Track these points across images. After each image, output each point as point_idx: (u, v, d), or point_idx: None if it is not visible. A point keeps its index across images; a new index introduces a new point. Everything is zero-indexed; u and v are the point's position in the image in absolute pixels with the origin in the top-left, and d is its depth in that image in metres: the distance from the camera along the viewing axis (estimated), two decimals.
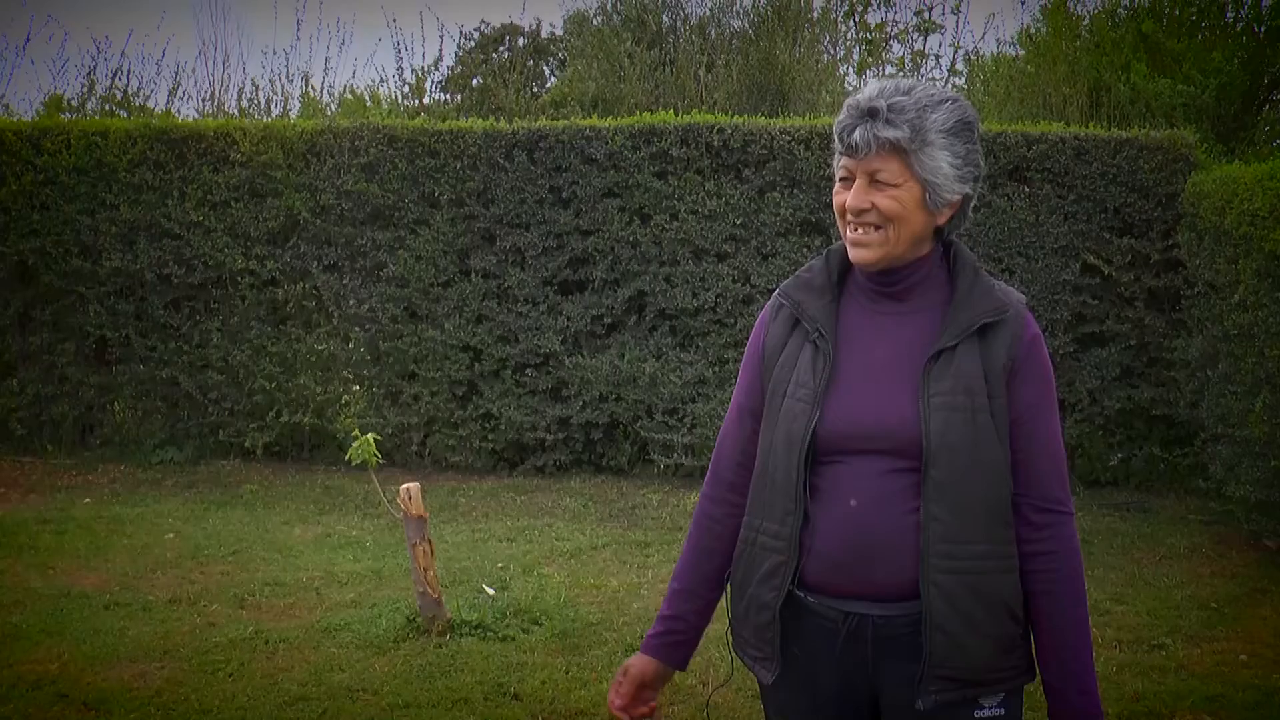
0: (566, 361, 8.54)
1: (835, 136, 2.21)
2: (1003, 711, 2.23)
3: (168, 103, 12.53)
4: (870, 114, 2.14)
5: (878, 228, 2.18)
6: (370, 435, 5.52)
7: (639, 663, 2.40)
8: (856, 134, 2.14)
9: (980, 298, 2.21)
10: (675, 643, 2.42)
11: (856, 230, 2.19)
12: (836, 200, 2.22)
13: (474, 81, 15.90)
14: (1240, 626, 5.59)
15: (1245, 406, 6.77)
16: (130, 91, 12.52)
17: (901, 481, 2.15)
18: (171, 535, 7.06)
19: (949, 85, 14.77)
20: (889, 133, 2.12)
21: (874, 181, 2.16)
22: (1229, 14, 11.69)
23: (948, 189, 2.19)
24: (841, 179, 2.21)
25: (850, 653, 2.21)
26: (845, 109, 2.19)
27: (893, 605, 2.16)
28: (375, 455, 5.46)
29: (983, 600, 2.14)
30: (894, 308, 2.26)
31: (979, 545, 2.13)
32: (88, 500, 7.90)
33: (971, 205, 2.29)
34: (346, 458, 5.59)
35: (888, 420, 2.16)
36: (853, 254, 2.23)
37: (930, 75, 15.08)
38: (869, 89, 2.19)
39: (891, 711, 2.24)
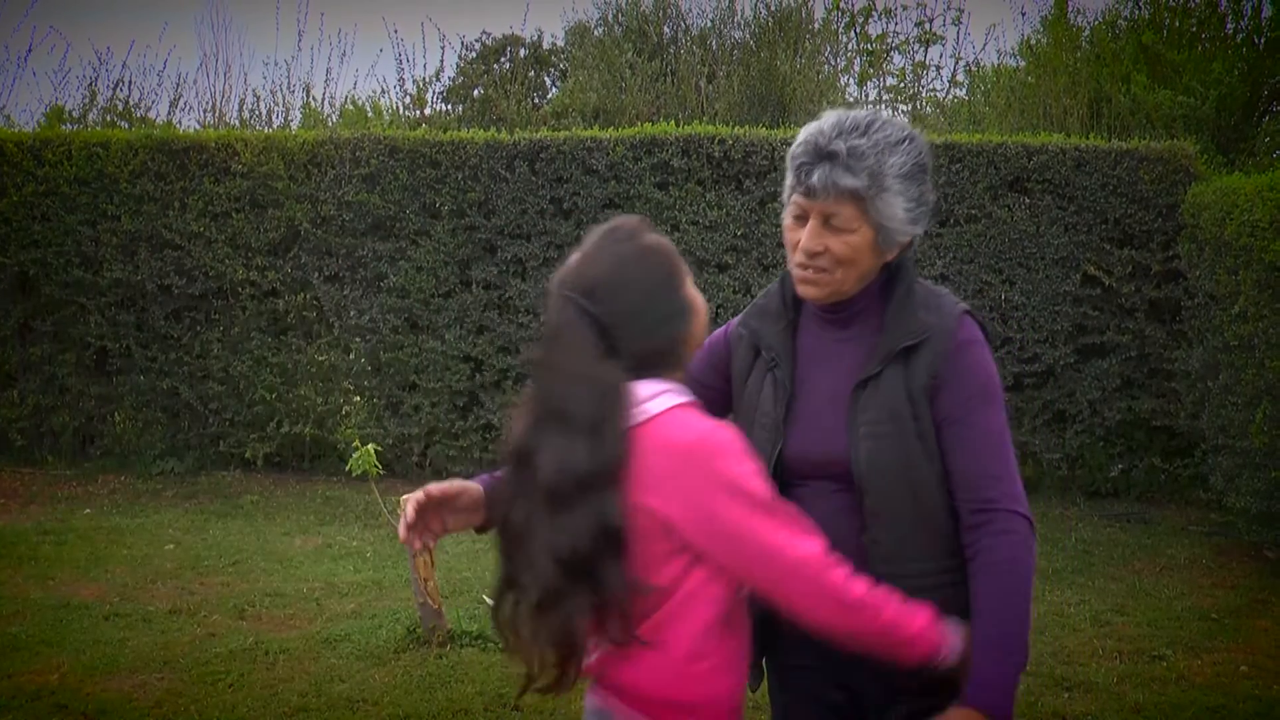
0: None
1: (791, 169, 2.20)
2: None
3: (169, 114, 12.56)
4: (829, 157, 2.14)
5: (828, 270, 2.20)
6: (371, 446, 5.54)
7: (460, 484, 2.21)
8: (815, 177, 2.14)
9: (904, 321, 2.21)
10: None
11: (807, 270, 2.21)
12: (789, 236, 2.23)
13: (475, 92, 15.93)
14: (1241, 637, 5.60)
15: (1246, 418, 6.78)
16: (132, 102, 12.56)
17: (849, 506, 2.18)
18: (172, 546, 7.06)
19: (950, 96, 14.83)
20: (848, 181, 2.12)
21: (828, 224, 2.17)
22: (1229, 25, 11.74)
23: (900, 232, 2.20)
24: (795, 216, 2.22)
25: (825, 665, 2.23)
26: (803, 144, 2.18)
27: None
28: (376, 466, 5.48)
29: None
30: (840, 334, 2.28)
31: (921, 563, 2.14)
32: (88, 511, 7.91)
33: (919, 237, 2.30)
34: (347, 468, 5.60)
35: (829, 449, 2.20)
36: (800, 290, 2.25)
37: (931, 86, 15.15)
38: (827, 123, 2.18)
39: (875, 714, 2.27)
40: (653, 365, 1.99)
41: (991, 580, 2.10)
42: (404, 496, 5.36)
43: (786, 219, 2.24)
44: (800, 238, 2.19)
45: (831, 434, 2.20)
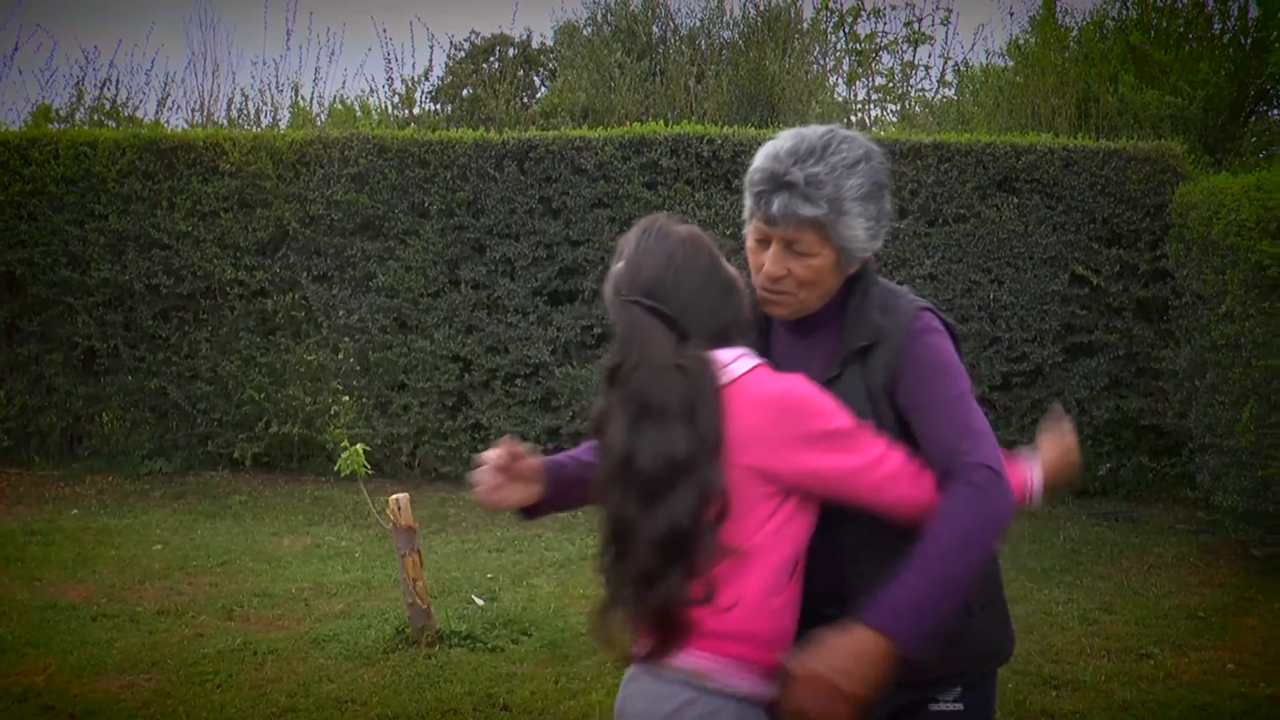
0: (556, 372, 8.55)
1: (750, 195, 2.22)
2: (961, 707, 2.25)
3: (157, 113, 12.49)
4: (787, 186, 2.16)
5: (792, 292, 2.24)
6: (359, 446, 5.52)
7: (524, 447, 2.34)
8: (774, 207, 2.17)
9: (861, 323, 2.24)
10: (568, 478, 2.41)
11: (770, 292, 2.25)
12: (752, 258, 2.27)
13: (464, 91, 15.90)
14: (1227, 635, 5.62)
15: (1232, 416, 6.80)
16: (119, 102, 12.50)
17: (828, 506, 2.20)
18: (160, 546, 7.05)
19: (938, 95, 14.86)
20: (807, 211, 2.15)
21: (790, 249, 2.20)
22: (1216, 26, 11.79)
23: (861, 250, 2.23)
24: (757, 240, 2.25)
25: None
26: (761, 170, 2.20)
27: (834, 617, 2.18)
28: (364, 466, 5.46)
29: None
30: (806, 340, 2.31)
31: (894, 555, 2.11)
32: (75, 511, 7.89)
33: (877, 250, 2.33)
34: (335, 468, 5.58)
35: None
36: (766, 309, 2.29)
37: (919, 86, 15.16)
38: (783, 147, 2.19)
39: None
40: (724, 339, 2.15)
41: (939, 522, 2.06)
42: (392, 497, 5.37)
43: (749, 240, 2.27)
44: (763, 261, 2.23)
45: None
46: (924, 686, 2.20)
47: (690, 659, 2.07)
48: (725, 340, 2.16)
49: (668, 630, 2.06)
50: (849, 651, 1.98)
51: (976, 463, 2.10)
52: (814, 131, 2.22)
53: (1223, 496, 6.97)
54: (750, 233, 2.26)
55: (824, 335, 2.28)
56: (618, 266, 2.18)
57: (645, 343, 2.09)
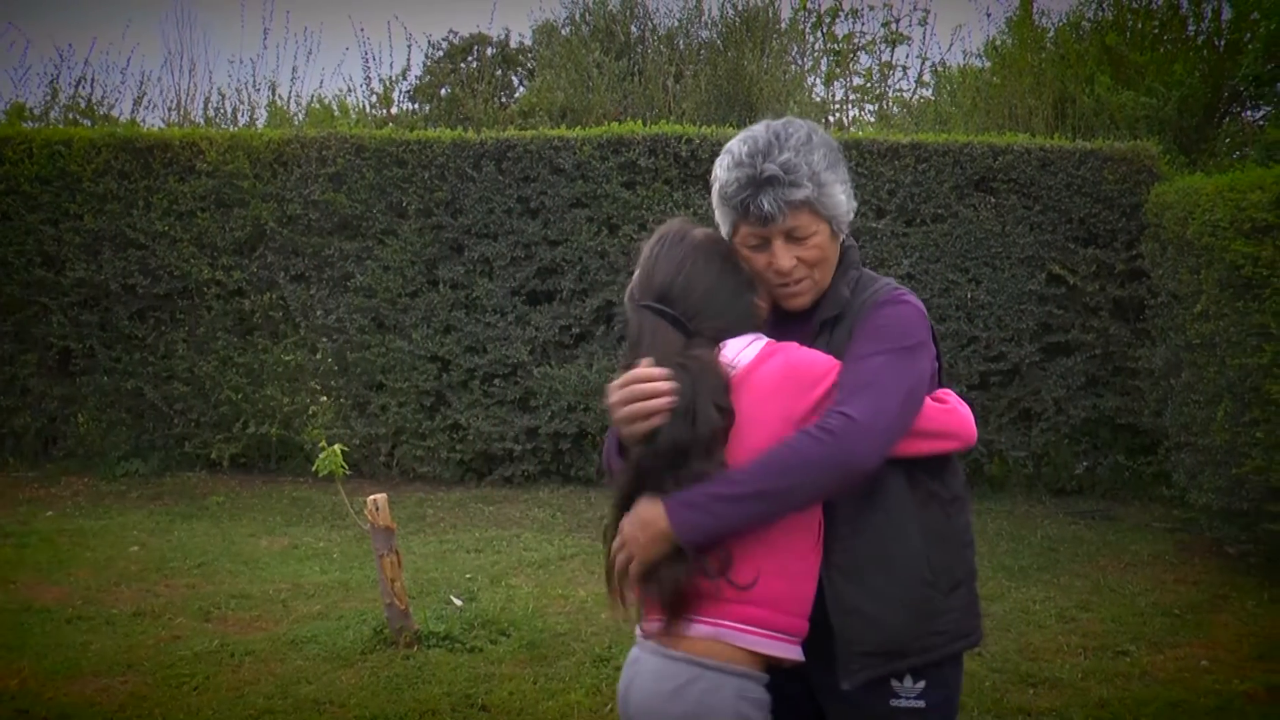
0: (535, 371, 8.54)
1: (732, 206, 2.29)
2: (923, 704, 2.26)
3: (133, 112, 12.44)
4: (770, 182, 2.24)
5: (807, 276, 2.32)
6: (337, 446, 5.50)
7: None
8: (766, 205, 2.24)
9: (831, 298, 2.34)
10: None
11: (788, 286, 2.32)
12: (756, 263, 2.31)
13: (442, 91, 15.88)
14: (1202, 633, 5.65)
15: (1207, 415, 6.85)
16: (94, 100, 12.43)
17: None
18: (136, 548, 7.00)
19: (916, 96, 14.92)
20: (797, 194, 2.25)
21: (791, 238, 2.29)
22: (1190, 28, 11.87)
23: (845, 214, 2.34)
24: (752, 246, 2.31)
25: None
26: (733, 180, 2.28)
27: None
28: (342, 466, 5.44)
29: (884, 569, 2.21)
30: (791, 320, 2.38)
31: (868, 518, 2.22)
32: (50, 513, 7.83)
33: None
34: (313, 469, 5.56)
35: None
36: (789, 305, 2.36)
37: (897, 87, 15.23)
38: (741, 151, 2.28)
39: (821, 693, 2.33)
40: (737, 330, 2.27)
41: (778, 446, 2.14)
42: (370, 497, 5.36)
43: (742, 249, 2.33)
44: (767, 261, 2.30)
45: None
46: (900, 657, 2.23)
47: (704, 626, 2.17)
48: (738, 332, 2.27)
49: (676, 608, 2.17)
50: (641, 520, 2.16)
51: (838, 410, 2.14)
52: (756, 131, 2.31)
53: (1198, 495, 7.02)
54: (740, 241, 2.32)
55: (805, 314, 2.37)
56: (636, 273, 2.33)
57: (654, 343, 2.23)
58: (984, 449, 8.47)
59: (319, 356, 8.83)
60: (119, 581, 6.32)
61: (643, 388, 2.17)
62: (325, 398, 8.99)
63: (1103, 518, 7.91)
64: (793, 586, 2.21)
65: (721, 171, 2.31)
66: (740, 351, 2.24)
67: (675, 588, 2.16)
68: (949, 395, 2.36)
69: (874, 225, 8.30)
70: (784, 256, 2.28)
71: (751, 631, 2.17)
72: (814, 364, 2.22)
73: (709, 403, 2.16)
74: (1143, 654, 5.34)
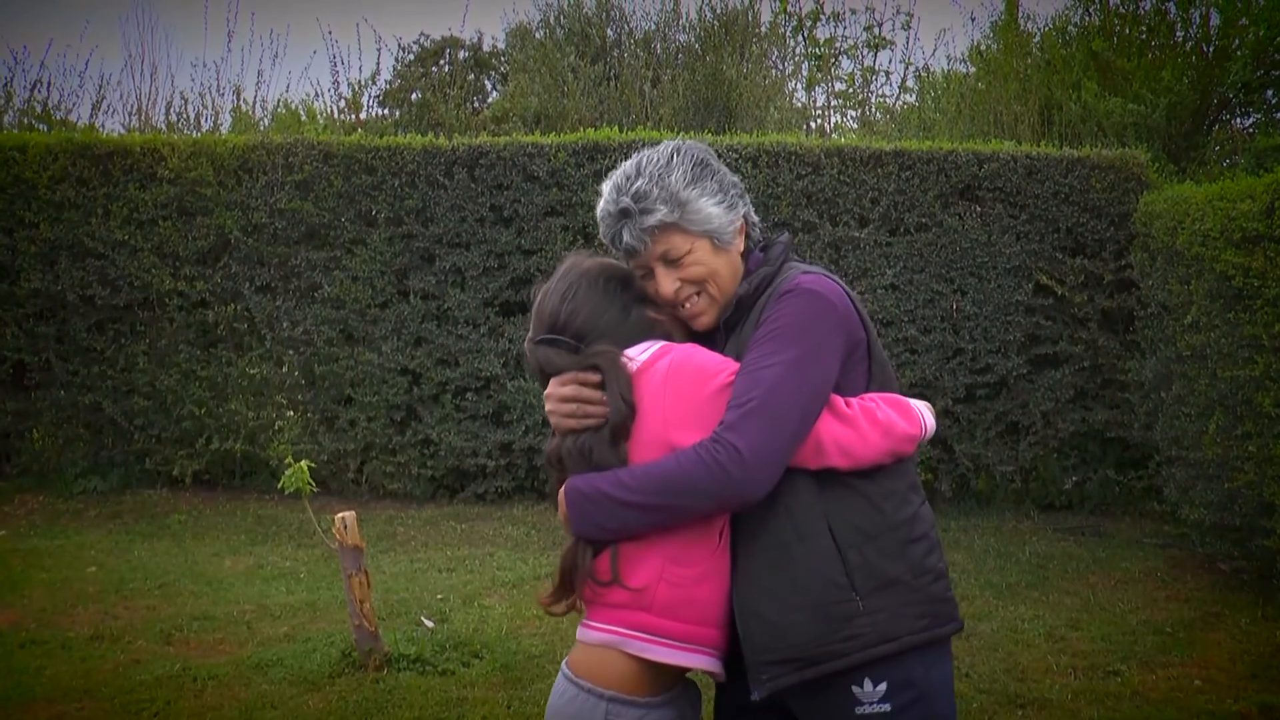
0: (508, 385, 8.52)
1: (606, 242, 2.42)
2: (888, 707, 2.24)
3: (91, 116, 12.40)
4: (624, 214, 2.35)
5: (699, 294, 2.39)
6: (304, 462, 5.47)
7: None
8: (626, 237, 2.36)
9: (738, 300, 2.39)
10: None
11: (684, 307, 2.40)
12: (651, 291, 2.41)
13: (413, 96, 15.86)
14: (1195, 651, 5.68)
15: (1199, 428, 6.89)
16: (51, 104, 12.38)
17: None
18: (94, 569, 6.95)
19: (899, 101, 14.99)
20: (650, 220, 2.33)
21: (668, 262, 2.36)
22: (1178, 33, 11.96)
23: (726, 225, 2.39)
24: (641, 276, 2.42)
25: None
26: (602, 222, 2.41)
27: None
28: (309, 483, 5.41)
29: (785, 572, 2.23)
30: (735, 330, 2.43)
31: (768, 521, 2.26)
32: (3, 532, 7.76)
33: (752, 213, 2.48)
34: (279, 486, 5.53)
35: None
36: (695, 326, 2.43)
37: (880, 92, 15.31)
38: (607, 191, 2.40)
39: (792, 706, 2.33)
40: (634, 342, 2.36)
41: (670, 459, 2.21)
42: (339, 515, 5.33)
43: (641, 282, 2.43)
44: (654, 288, 2.40)
45: None
46: (812, 665, 2.22)
47: (598, 632, 2.27)
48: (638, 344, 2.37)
49: (564, 588, 2.33)
50: (561, 493, 2.30)
51: (727, 440, 2.18)
52: (625, 165, 2.41)
53: (1190, 510, 7.05)
54: (636, 273, 2.42)
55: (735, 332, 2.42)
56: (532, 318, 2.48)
57: (548, 368, 2.39)
58: (970, 463, 8.50)
59: (285, 370, 8.79)
60: (76, 603, 6.26)
61: (586, 394, 2.30)
62: (292, 412, 8.95)
63: (1092, 534, 7.94)
64: (692, 592, 2.24)
65: (598, 211, 2.43)
66: (639, 353, 2.33)
67: (567, 565, 2.30)
68: (873, 401, 2.34)
69: (856, 235, 8.33)
70: (665, 282, 2.37)
71: (646, 639, 2.22)
72: (706, 362, 2.29)
73: (616, 395, 2.27)
74: (1134, 674, 5.35)
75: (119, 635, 5.74)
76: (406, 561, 7.20)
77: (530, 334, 2.45)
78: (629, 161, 2.41)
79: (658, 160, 2.37)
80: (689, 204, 2.33)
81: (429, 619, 5.99)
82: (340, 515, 5.28)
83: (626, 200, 2.33)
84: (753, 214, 2.47)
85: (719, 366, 2.28)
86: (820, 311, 2.27)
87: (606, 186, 2.40)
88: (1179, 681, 5.27)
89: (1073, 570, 7.10)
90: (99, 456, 8.96)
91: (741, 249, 2.43)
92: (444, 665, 5.28)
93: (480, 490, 8.68)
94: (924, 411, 2.38)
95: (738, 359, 2.30)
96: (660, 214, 2.32)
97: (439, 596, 6.45)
